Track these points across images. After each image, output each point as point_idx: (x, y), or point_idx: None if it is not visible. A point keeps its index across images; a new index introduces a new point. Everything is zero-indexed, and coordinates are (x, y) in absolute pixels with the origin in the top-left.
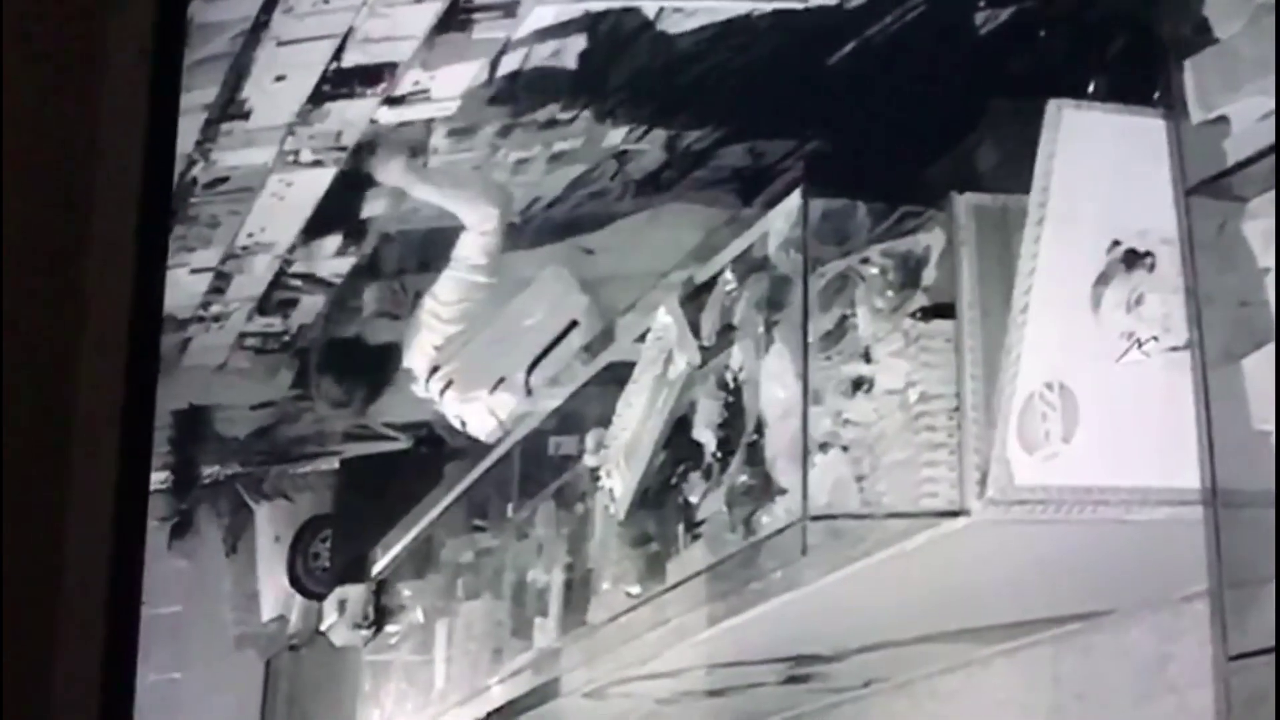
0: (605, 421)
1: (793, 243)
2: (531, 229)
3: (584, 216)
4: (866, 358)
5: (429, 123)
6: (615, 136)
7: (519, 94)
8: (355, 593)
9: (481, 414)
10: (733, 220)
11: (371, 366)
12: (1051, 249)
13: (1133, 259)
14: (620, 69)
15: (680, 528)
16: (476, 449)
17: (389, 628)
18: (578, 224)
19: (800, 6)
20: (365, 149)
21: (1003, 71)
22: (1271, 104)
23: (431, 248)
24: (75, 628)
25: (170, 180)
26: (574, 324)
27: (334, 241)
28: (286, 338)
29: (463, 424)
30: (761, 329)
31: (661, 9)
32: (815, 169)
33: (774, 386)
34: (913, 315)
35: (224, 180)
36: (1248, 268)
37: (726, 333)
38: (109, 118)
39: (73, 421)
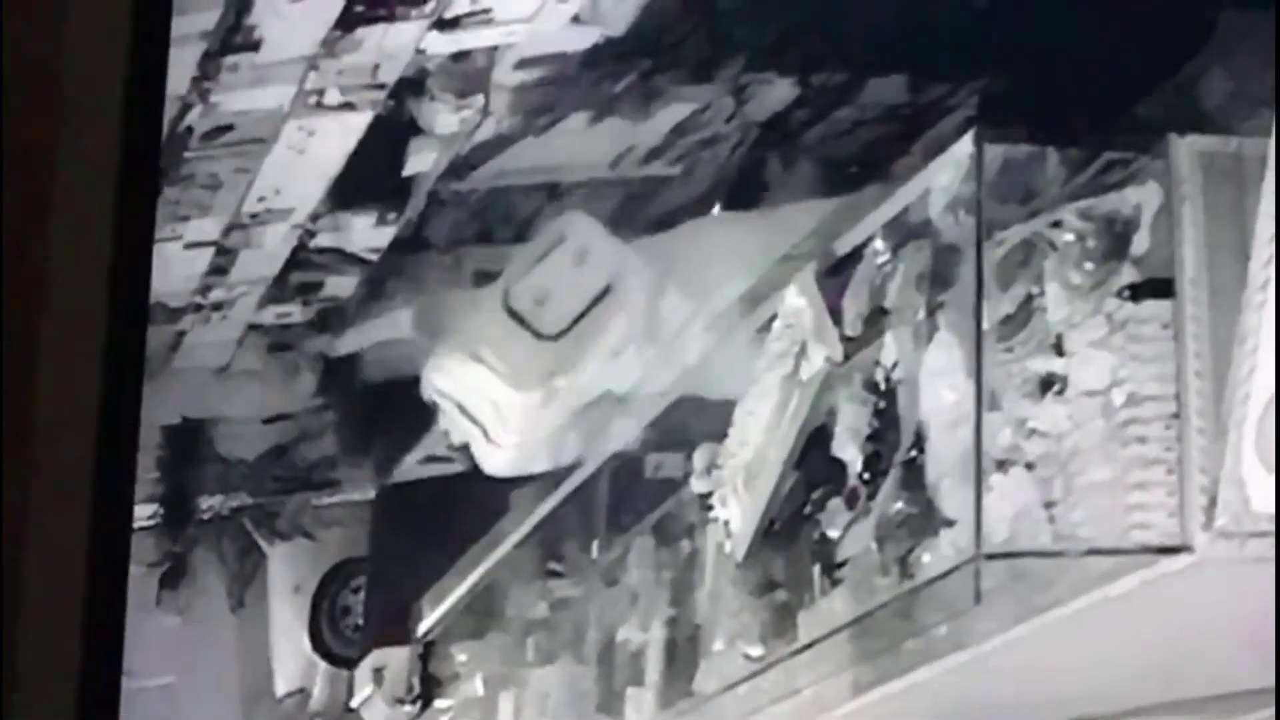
0: (719, 435)
1: (962, 202)
2: (620, 195)
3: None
4: (1058, 349)
5: (491, 52)
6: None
7: (607, 11)
8: (396, 658)
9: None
10: (884, 173)
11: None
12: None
13: None
14: None
15: (816, 570)
16: (552, 472)
17: (439, 702)
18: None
19: None
20: (408, 88)
21: None
22: None
23: (494, 213)
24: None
25: (159, 129)
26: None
27: (369, 207)
28: (308, 331)
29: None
30: (922, 314)
31: None
32: (992, 106)
33: (938, 387)
34: (1118, 294)
35: (228, 129)
36: None
37: (876, 319)
38: (80, 47)
39: (32, 440)
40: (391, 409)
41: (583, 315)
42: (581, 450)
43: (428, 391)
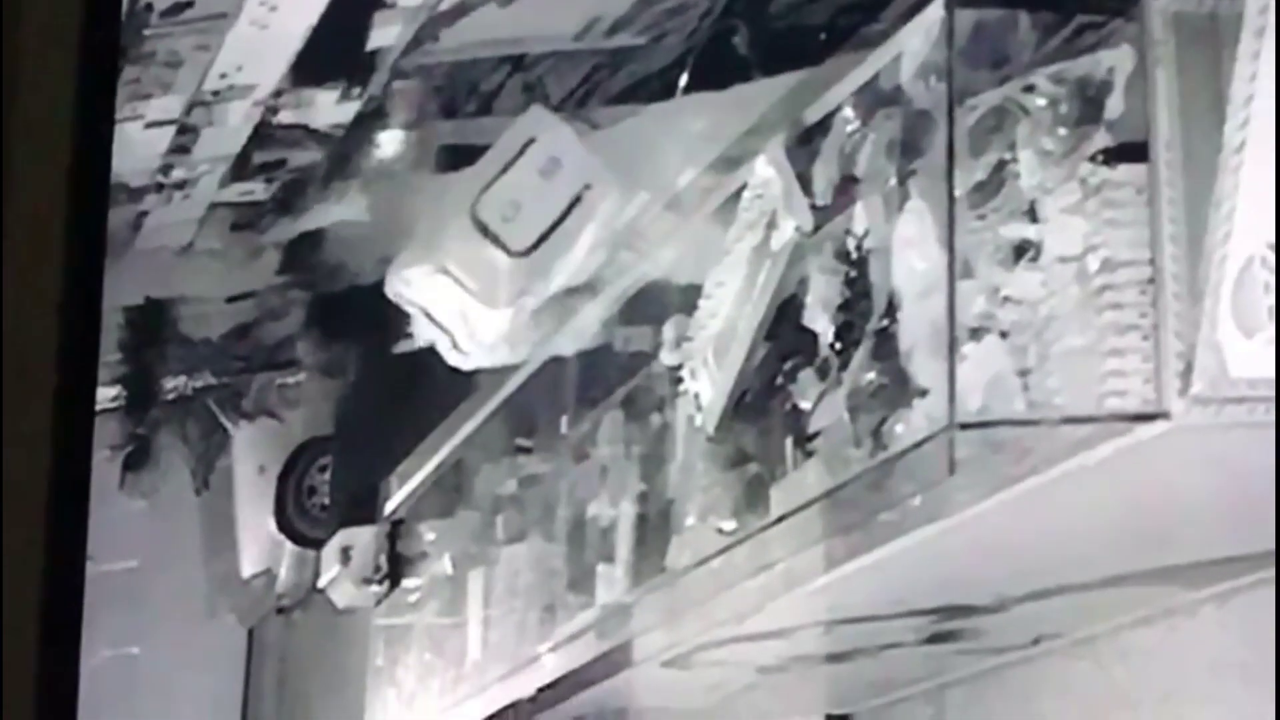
0: (688, 307)
1: (933, 67)
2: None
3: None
4: (1032, 216)
5: None
6: None
7: None
8: (363, 538)
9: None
10: (852, 40)
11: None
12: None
13: None
14: None
15: (788, 443)
16: None
17: (407, 582)
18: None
19: None
20: None
21: None
22: None
23: (459, 85)
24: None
25: (118, 6)
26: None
27: (332, 82)
28: (271, 209)
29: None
30: (893, 181)
31: None
32: None
33: (910, 256)
34: (1092, 159)
35: (187, 5)
36: None
37: (847, 188)
38: None
39: None
40: (357, 299)
41: (552, 229)
42: (550, 343)
43: (392, 294)
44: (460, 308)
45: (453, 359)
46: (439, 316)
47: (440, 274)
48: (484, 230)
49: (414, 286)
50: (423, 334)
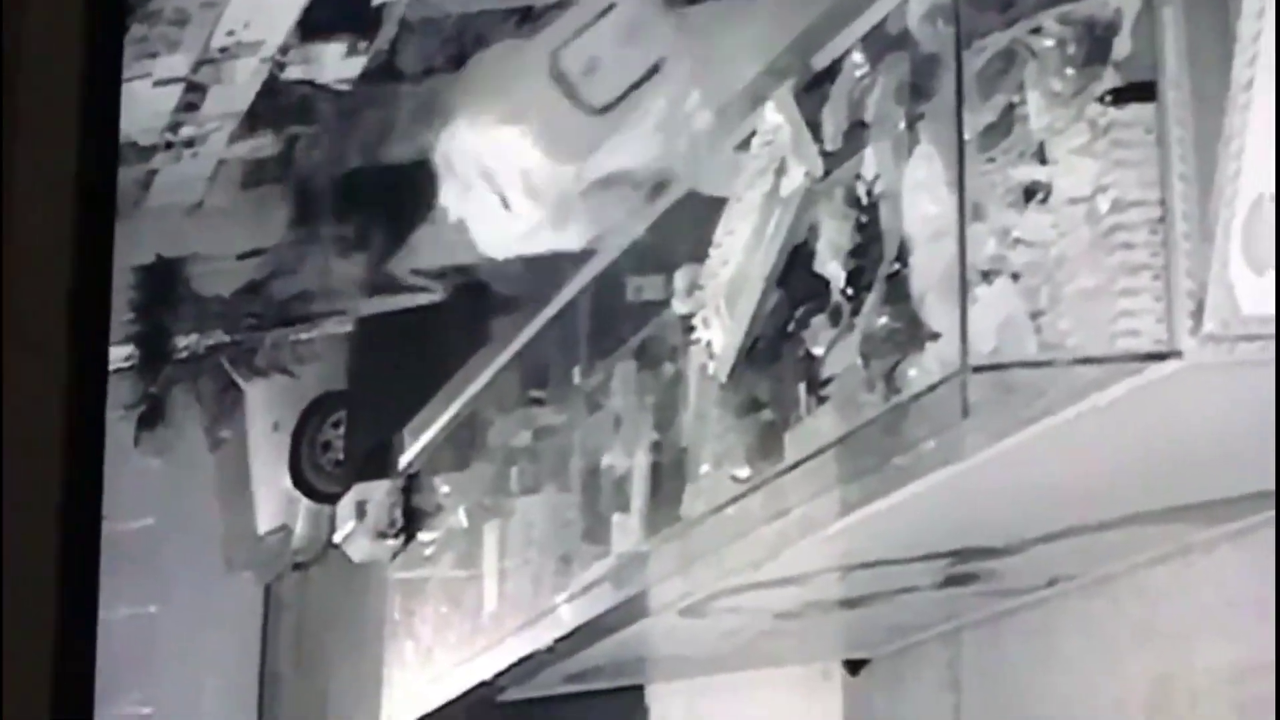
0: (700, 255)
1: (941, 10)
2: None
3: None
4: (1041, 158)
5: None
6: None
7: None
8: (378, 492)
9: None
10: None
11: (397, 197)
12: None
13: None
14: None
15: (801, 389)
16: (532, 299)
17: (423, 535)
18: None
19: None
20: None
21: None
22: None
23: (466, 39)
24: (18, 552)
25: None
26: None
27: (339, 37)
28: (281, 164)
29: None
30: (903, 126)
31: None
32: None
33: (921, 200)
34: (1101, 100)
35: None
36: None
37: (857, 133)
38: None
39: (2, 285)
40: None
41: (629, 92)
42: (589, 235)
43: (444, 150)
44: (524, 162)
45: (492, 230)
46: (496, 170)
47: (511, 123)
48: (562, 81)
49: (480, 133)
50: (459, 204)
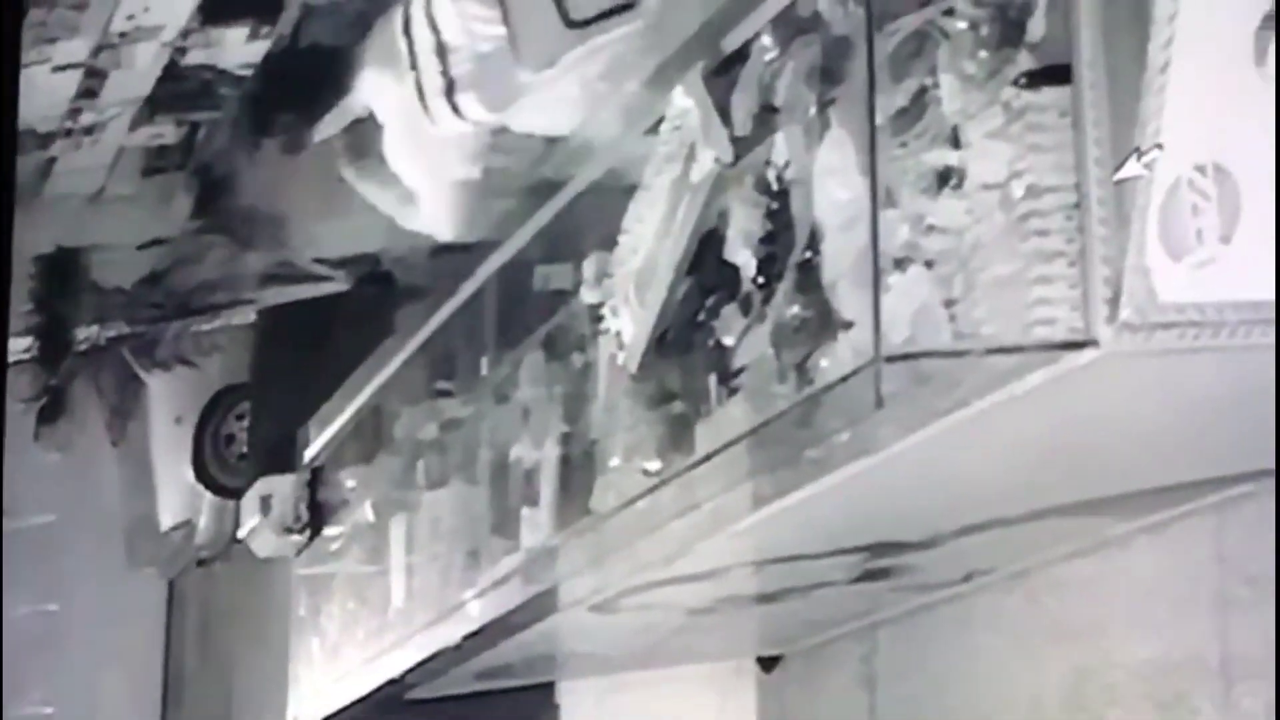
0: (608, 243)
1: None
2: None
3: None
4: (954, 142)
5: None
6: None
7: None
8: (283, 486)
9: None
10: None
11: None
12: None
13: None
14: None
15: (712, 380)
16: (437, 288)
17: (328, 530)
18: None
19: None
20: None
21: None
22: None
23: (370, 22)
24: None
25: None
26: None
27: (241, 21)
28: (182, 151)
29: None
30: (813, 110)
31: None
32: None
33: (832, 186)
34: (1015, 83)
35: None
36: None
37: (766, 117)
38: None
39: None
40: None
41: (605, 15)
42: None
43: (409, 15)
44: (486, 49)
45: (422, 120)
46: (455, 47)
47: (491, 6)
48: None
49: (446, 10)
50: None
